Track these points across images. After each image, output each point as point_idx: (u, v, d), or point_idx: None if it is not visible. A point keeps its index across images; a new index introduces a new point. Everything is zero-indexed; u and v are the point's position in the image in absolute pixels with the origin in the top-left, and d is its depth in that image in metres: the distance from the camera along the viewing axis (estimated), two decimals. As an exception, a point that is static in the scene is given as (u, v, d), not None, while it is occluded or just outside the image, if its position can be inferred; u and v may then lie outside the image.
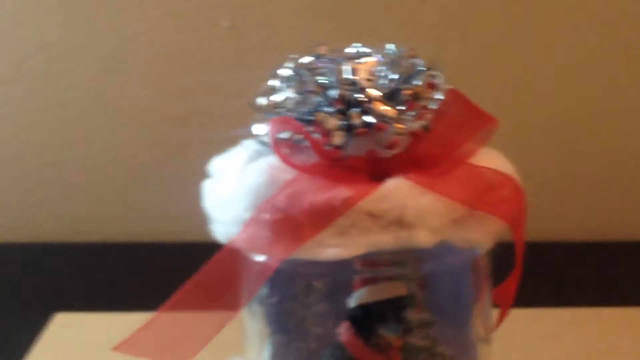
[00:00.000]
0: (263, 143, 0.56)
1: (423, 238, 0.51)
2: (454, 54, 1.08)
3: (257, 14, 1.07)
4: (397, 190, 0.51)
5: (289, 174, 0.53)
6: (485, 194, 0.53)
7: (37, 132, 1.12)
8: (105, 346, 0.79)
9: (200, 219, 0.58)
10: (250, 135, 0.58)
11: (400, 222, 0.51)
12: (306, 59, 0.56)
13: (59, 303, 0.93)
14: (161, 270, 1.03)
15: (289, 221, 0.51)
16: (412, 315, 0.62)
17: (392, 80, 0.54)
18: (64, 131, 1.12)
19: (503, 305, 0.61)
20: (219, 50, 1.09)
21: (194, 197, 0.59)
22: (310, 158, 0.53)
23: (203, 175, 0.60)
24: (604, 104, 1.12)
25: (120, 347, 0.54)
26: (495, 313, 0.62)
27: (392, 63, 0.55)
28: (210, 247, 0.55)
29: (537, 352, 0.82)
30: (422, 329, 0.63)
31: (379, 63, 0.55)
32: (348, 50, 0.58)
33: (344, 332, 0.59)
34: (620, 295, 0.97)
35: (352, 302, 0.59)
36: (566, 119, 1.12)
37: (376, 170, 0.53)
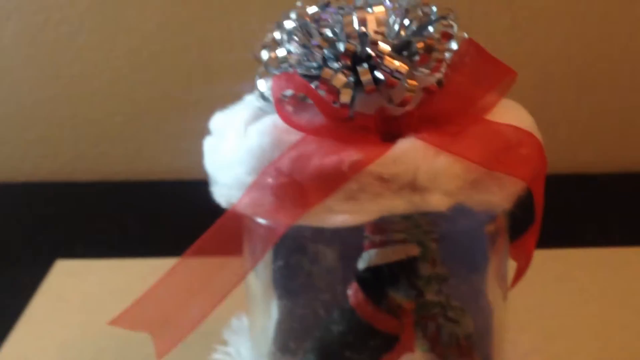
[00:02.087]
0: (266, 100, 0.52)
1: (437, 202, 0.48)
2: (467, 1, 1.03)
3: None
4: (409, 152, 0.48)
5: (293, 135, 0.49)
6: (503, 153, 0.50)
7: (32, 69, 1.08)
8: (107, 293, 0.79)
9: (201, 157, 0.55)
10: (253, 90, 0.54)
11: (412, 186, 0.48)
12: (311, 9, 0.52)
13: (60, 245, 0.91)
14: (162, 209, 1.01)
15: (294, 186, 0.48)
16: (425, 269, 0.60)
17: (403, 31, 0.50)
18: (59, 68, 1.08)
19: (521, 262, 0.58)
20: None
21: (195, 133, 0.56)
22: (316, 117, 0.49)
23: (203, 112, 0.56)
24: (622, 30, 1.08)
25: (117, 321, 0.51)
26: (512, 267, 0.59)
27: (403, 12, 0.51)
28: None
29: (552, 295, 0.79)
30: (435, 284, 0.61)
31: (389, 12, 0.51)
32: (356, -2, 0.54)
33: (353, 295, 0.57)
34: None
35: (362, 264, 0.56)
36: (583, 47, 1.08)
37: (387, 130, 0.50)
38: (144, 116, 1.10)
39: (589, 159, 1.12)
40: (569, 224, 0.96)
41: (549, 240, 0.86)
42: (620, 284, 0.81)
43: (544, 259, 0.84)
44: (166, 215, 0.99)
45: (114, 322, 0.51)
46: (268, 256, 0.57)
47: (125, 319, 0.51)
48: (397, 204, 0.48)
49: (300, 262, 0.58)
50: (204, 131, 0.56)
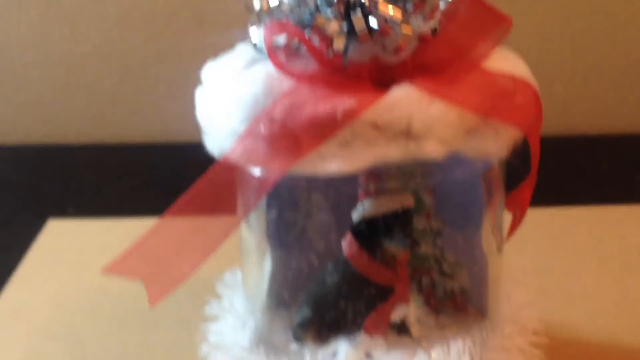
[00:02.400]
0: (258, 49, 0.52)
1: (432, 150, 0.48)
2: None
3: None
4: (404, 99, 0.48)
5: (287, 83, 0.49)
6: (499, 100, 0.49)
7: (22, 31, 1.07)
8: (100, 252, 0.78)
9: (194, 119, 0.55)
10: (245, 39, 0.53)
11: (407, 133, 0.47)
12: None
13: (52, 207, 0.91)
14: (155, 172, 1.01)
15: (287, 134, 0.48)
16: (420, 222, 0.60)
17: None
18: (50, 29, 1.07)
19: (516, 213, 0.58)
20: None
21: (187, 96, 0.56)
22: (309, 66, 0.49)
23: (196, 73, 0.56)
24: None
25: (109, 269, 0.51)
26: (507, 220, 0.59)
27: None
28: (204, 149, 0.53)
29: (548, 253, 0.79)
30: (430, 237, 0.60)
31: (383, -42, 0.51)
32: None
33: (347, 246, 0.56)
34: (633, 191, 0.93)
35: (356, 214, 0.56)
36: (580, 3, 1.07)
37: (381, 78, 0.49)
38: (136, 78, 1.09)
39: (585, 119, 1.11)
40: (565, 184, 0.96)
41: (544, 199, 0.86)
42: (615, 241, 0.81)
43: (539, 217, 0.84)
44: (159, 177, 0.99)
45: (106, 269, 0.51)
46: (261, 208, 0.57)
47: (118, 267, 0.51)
48: (391, 152, 0.47)
49: (293, 213, 0.57)
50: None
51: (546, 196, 0.88)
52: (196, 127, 0.54)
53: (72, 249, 0.82)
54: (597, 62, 1.09)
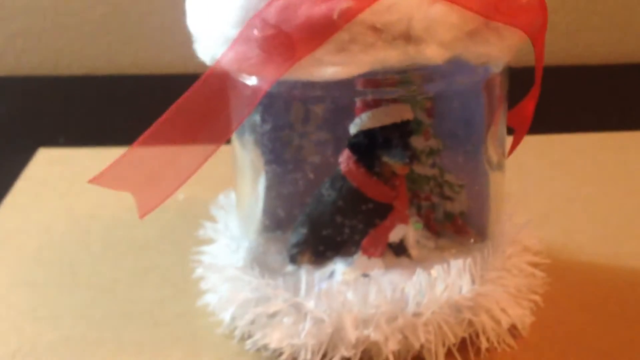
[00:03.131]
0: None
1: (432, 53, 0.46)
2: None
3: None
4: (404, 0, 0.45)
5: (280, -17, 0.46)
6: (502, 2, 0.47)
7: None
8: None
9: (187, 49, 0.53)
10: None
11: (407, 36, 0.45)
12: None
13: (42, 138, 0.89)
14: (147, 103, 0.99)
15: (281, 37, 0.46)
16: (419, 142, 0.58)
17: None
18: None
19: (519, 128, 0.56)
20: None
21: (182, 26, 0.53)
22: (304, -36, 0.47)
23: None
24: None
25: (97, 179, 0.49)
26: (509, 138, 0.57)
27: None
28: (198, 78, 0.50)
29: (549, 180, 0.78)
30: (429, 157, 0.59)
31: None
32: None
33: (344, 160, 0.55)
34: (637, 119, 0.92)
35: (354, 128, 0.54)
36: None
37: (379, -22, 0.47)
38: (128, 6, 1.06)
39: (588, 49, 1.09)
40: (566, 112, 0.94)
41: (546, 127, 0.85)
42: (617, 167, 0.80)
43: (541, 144, 0.83)
44: (151, 108, 0.96)
45: (95, 179, 0.49)
46: (256, 122, 0.55)
47: (106, 178, 0.49)
48: (390, 55, 0.46)
49: (288, 125, 0.56)
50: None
51: (548, 124, 0.87)
52: (191, 58, 0.52)
53: (63, 177, 0.80)
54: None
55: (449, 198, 0.60)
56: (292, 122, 0.55)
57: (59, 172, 0.81)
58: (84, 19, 1.07)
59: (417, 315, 0.52)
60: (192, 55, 0.53)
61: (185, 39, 0.53)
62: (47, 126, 0.94)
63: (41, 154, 0.84)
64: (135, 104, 0.99)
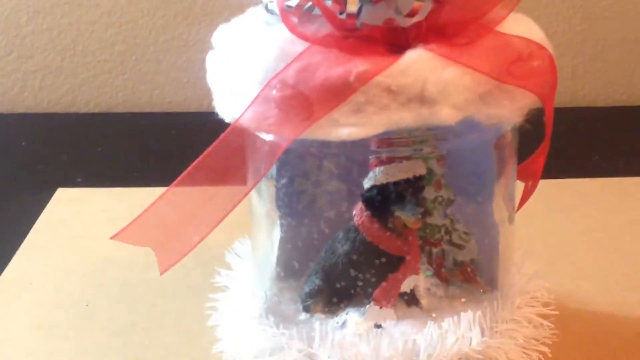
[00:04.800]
0: (271, 12, 0.51)
1: (446, 115, 0.47)
2: None
3: None
4: (418, 63, 0.47)
5: (299, 46, 0.48)
6: (514, 65, 0.49)
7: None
8: (109, 221, 0.78)
9: (204, 87, 0.54)
10: (257, 2, 0.53)
11: (421, 98, 0.47)
12: None
13: (60, 177, 0.90)
14: (164, 141, 1.00)
15: (299, 98, 0.47)
16: (430, 192, 0.59)
17: None
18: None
19: (528, 183, 0.57)
20: None
21: (197, 63, 0.55)
22: (322, 28, 0.48)
23: (207, 38, 0.55)
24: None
25: (120, 236, 0.50)
26: (519, 189, 0.58)
27: None
28: (217, 118, 0.52)
29: (557, 225, 0.79)
30: (440, 207, 0.60)
31: None
32: None
33: (358, 214, 0.56)
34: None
35: (367, 182, 0.55)
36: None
37: (394, 42, 0.48)
38: (145, 45, 1.08)
39: (594, 92, 1.10)
40: (574, 156, 0.95)
41: (553, 172, 0.85)
42: (624, 213, 0.81)
43: (548, 189, 0.83)
44: (167, 147, 0.98)
45: (115, 236, 0.50)
46: (272, 175, 0.56)
47: (127, 234, 0.50)
48: (404, 117, 0.47)
49: (304, 180, 0.57)
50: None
51: (555, 168, 0.87)
52: (207, 96, 0.54)
53: (81, 218, 0.81)
54: (608, 33, 1.08)
55: (459, 246, 0.61)
56: (307, 176, 0.56)
57: (76, 213, 0.82)
58: (101, 58, 1.09)
59: (428, 367, 0.53)
60: (208, 93, 0.54)
61: (203, 76, 0.55)
62: (65, 164, 0.95)
63: (60, 194, 0.85)
64: (150, 142, 1.01)
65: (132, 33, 1.07)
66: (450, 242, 0.61)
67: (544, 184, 0.81)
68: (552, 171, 0.86)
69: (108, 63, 1.09)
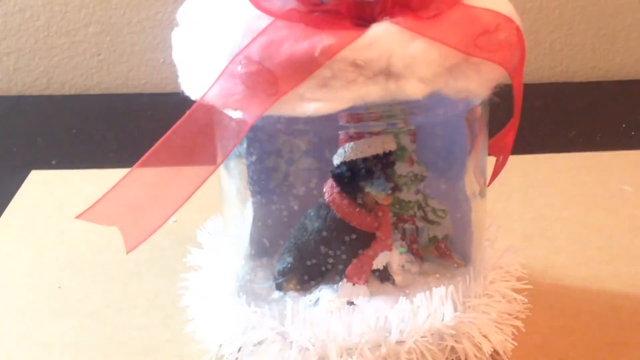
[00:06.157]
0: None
1: (413, 89, 0.47)
2: None
3: None
4: (384, 37, 0.46)
5: (264, 20, 0.47)
6: (481, 38, 0.48)
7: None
8: (81, 202, 0.77)
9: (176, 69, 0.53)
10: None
11: (387, 72, 0.46)
12: None
13: (34, 159, 0.90)
14: (139, 122, 1.00)
15: (264, 73, 0.47)
16: (402, 168, 0.59)
17: None
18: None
19: (499, 157, 0.57)
20: None
21: (171, 44, 0.54)
22: (287, 2, 0.48)
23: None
24: None
25: (85, 215, 0.50)
26: (490, 164, 0.58)
27: None
28: (189, 99, 0.51)
29: (532, 200, 0.79)
30: (413, 183, 0.60)
31: None
32: None
33: (328, 190, 0.56)
34: (620, 137, 0.93)
35: (337, 159, 0.55)
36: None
37: (360, 16, 0.48)
38: (119, 26, 1.07)
39: (572, 67, 1.10)
40: (552, 131, 0.95)
41: (529, 147, 0.86)
42: (599, 187, 0.81)
43: (523, 164, 0.84)
44: (143, 128, 0.98)
45: (82, 215, 0.50)
46: (241, 153, 0.56)
47: (93, 214, 0.50)
48: (371, 91, 0.46)
49: (274, 158, 0.56)
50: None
51: (533, 144, 0.88)
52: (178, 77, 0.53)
53: (55, 200, 0.81)
54: (585, 8, 1.08)
55: (432, 222, 0.61)
56: (277, 154, 0.56)
57: (50, 195, 0.82)
58: (75, 39, 1.08)
59: (400, 343, 0.53)
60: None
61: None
62: (39, 146, 0.94)
63: (33, 176, 0.85)
64: (126, 123, 1.00)
65: (106, 13, 1.06)
66: (425, 219, 0.61)
67: (520, 159, 0.82)
68: (530, 146, 0.86)
69: (82, 44, 1.08)
